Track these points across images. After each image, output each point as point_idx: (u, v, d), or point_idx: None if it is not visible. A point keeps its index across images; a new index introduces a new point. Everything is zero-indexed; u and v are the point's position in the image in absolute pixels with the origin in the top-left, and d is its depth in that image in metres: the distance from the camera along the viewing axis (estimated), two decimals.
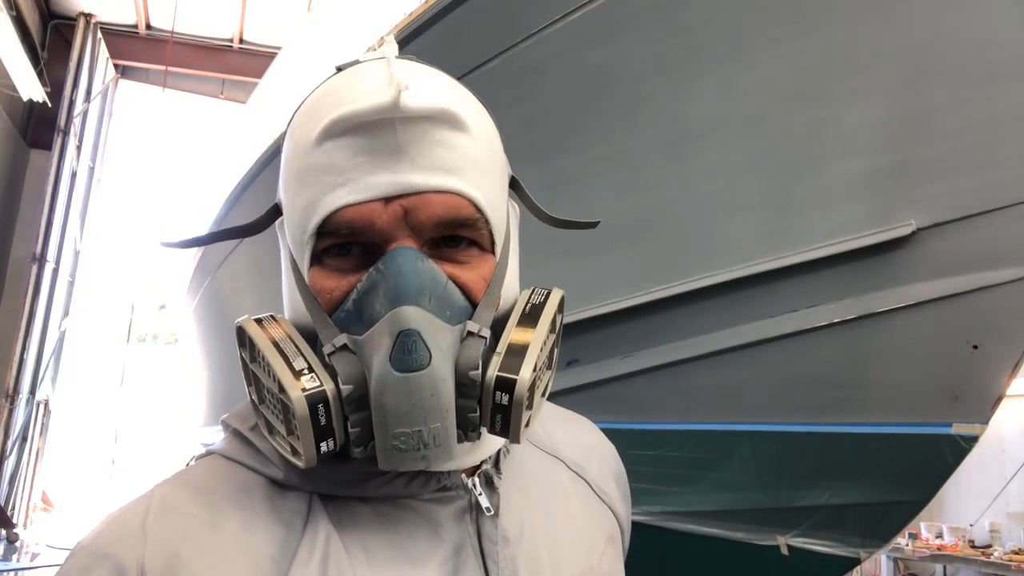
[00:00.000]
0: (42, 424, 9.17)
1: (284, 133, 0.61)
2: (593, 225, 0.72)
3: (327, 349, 0.52)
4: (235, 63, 10.10)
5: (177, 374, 10.07)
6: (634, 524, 0.80)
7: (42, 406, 9.11)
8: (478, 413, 0.52)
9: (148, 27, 9.85)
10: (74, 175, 9.34)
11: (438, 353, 0.50)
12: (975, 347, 2.08)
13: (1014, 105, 2.01)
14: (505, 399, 0.51)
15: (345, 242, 0.54)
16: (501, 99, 2.55)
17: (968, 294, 2.08)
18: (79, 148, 9.43)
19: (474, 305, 0.55)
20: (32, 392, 8.77)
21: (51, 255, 8.76)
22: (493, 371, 0.52)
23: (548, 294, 0.60)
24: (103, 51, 9.74)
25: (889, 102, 2.14)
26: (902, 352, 2.19)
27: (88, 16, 9.29)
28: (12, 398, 8.23)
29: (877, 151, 2.18)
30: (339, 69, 0.57)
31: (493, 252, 0.58)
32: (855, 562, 2.35)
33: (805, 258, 2.27)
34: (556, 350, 0.59)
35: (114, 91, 10.50)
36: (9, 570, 6.59)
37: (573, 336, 2.62)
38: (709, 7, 2.36)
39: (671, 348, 2.55)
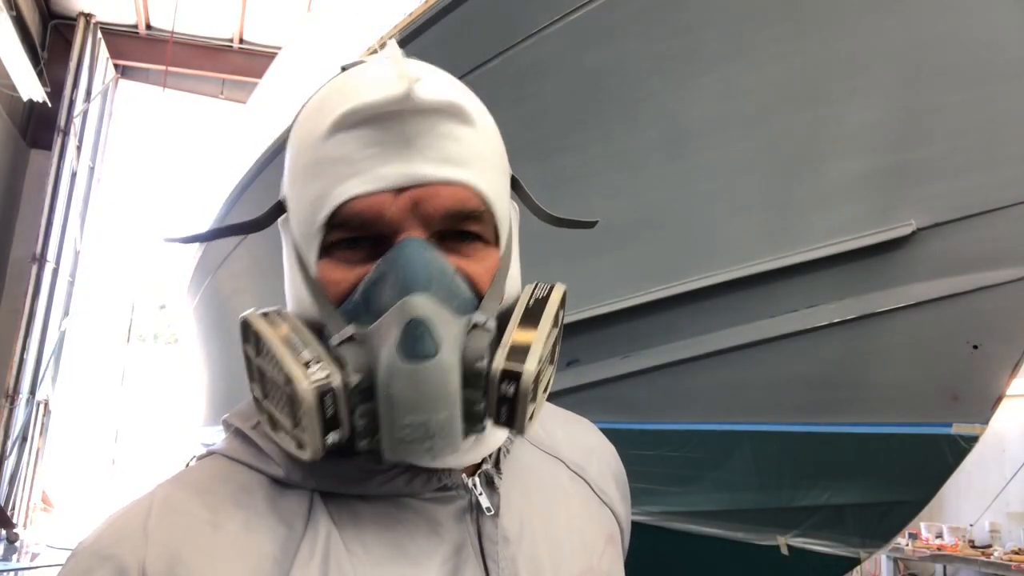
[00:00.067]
0: (42, 424, 9.17)
1: (285, 133, 0.61)
2: (592, 224, 0.72)
3: (334, 340, 0.53)
4: (235, 63, 10.11)
5: (177, 374, 10.07)
6: (634, 524, 0.80)
7: (42, 406, 9.11)
8: (483, 405, 0.52)
9: (148, 27, 9.85)
10: (74, 175, 9.35)
11: (446, 343, 0.50)
12: (975, 347, 2.08)
13: (1014, 105, 2.01)
14: (511, 390, 0.51)
15: (354, 236, 0.54)
16: (501, 99, 2.55)
17: (968, 294, 2.08)
18: (79, 148, 9.44)
19: (479, 297, 0.56)
20: (32, 392, 8.78)
21: (51, 255, 8.77)
22: (499, 362, 0.52)
23: (551, 288, 0.60)
24: (103, 51, 9.74)
25: (889, 102, 2.14)
26: (902, 352, 2.19)
27: (88, 16, 9.29)
28: (12, 398, 8.24)
29: (877, 151, 2.18)
30: (344, 69, 0.58)
31: (497, 246, 0.59)
32: (855, 562, 2.35)
33: (805, 258, 2.27)
34: (558, 346, 0.60)
35: (114, 91, 10.50)
36: (9, 570, 6.59)
37: (573, 336, 2.62)
38: (709, 7, 2.36)
39: (671, 348, 2.55)
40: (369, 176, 0.53)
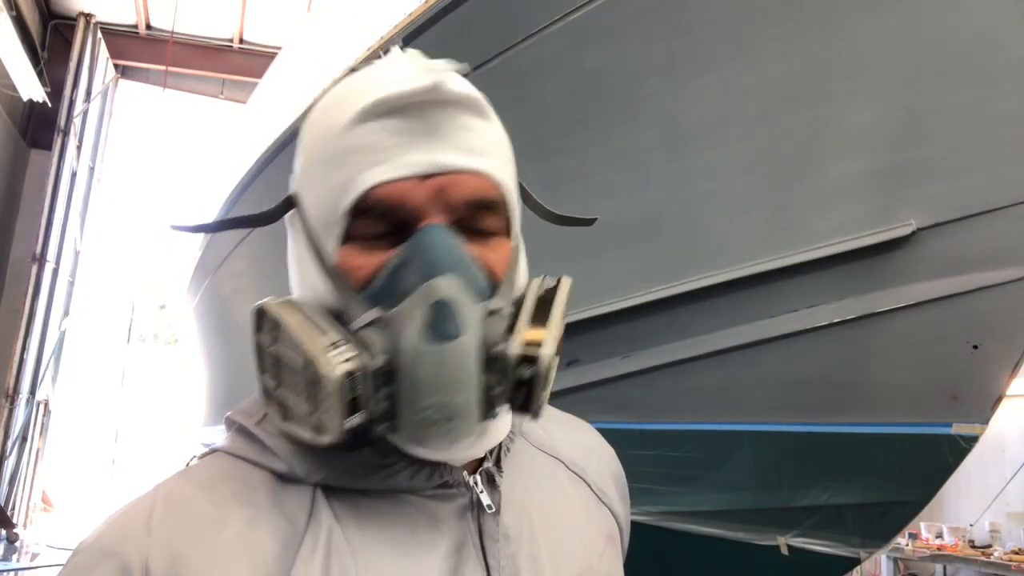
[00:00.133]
0: (42, 424, 9.17)
1: (285, 132, 0.62)
2: (591, 222, 0.74)
3: (356, 324, 0.54)
4: (235, 63, 10.11)
5: (177, 374, 10.08)
6: (634, 524, 0.80)
7: (42, 406, 9.11)
8: (499, 389, 0.53)
9: (148, 27, 9.85)
10: (74, 175, 9.35)
11: (468, 326, 0.51)
12: (975, 347, 2.08)
13: (1014, 105, 2.01)
14: (528, 373, 0.53)
15: (376, 225, 0.55)
16: (501, 99, 2.54)
17: (968, 294, 2.08)
18: (79, 148, 9.44)
19: (495, 285, 0.57)
20: (32, 392, 8.78)
21: (51, 255, 8.77)
22: (517, 347, 0.53)
23: (559, 281, 0.62)
24: (103, 51, 9.75)
25: (889, 102, 2.15)
26: (902, 352, 2.20)
27: (88, 16, 9.30)
28: (12, 398, 8.24)
29: (877, 151, 2.18)
30: (353, 71, 0.60)
31: (509, 238, 0.60)
32: (855, 562, 2.35)
33: (805, 258, 2.27)
34: (562, 341, 0.61)
35: (114, 91, 10.50)
36: (9, 570, 6.60)
37: (573, 336, 2.60)
38: (709, 7, 2.36)
39: (671, 348, 2.55)
40: (395, 163, 0.54)
